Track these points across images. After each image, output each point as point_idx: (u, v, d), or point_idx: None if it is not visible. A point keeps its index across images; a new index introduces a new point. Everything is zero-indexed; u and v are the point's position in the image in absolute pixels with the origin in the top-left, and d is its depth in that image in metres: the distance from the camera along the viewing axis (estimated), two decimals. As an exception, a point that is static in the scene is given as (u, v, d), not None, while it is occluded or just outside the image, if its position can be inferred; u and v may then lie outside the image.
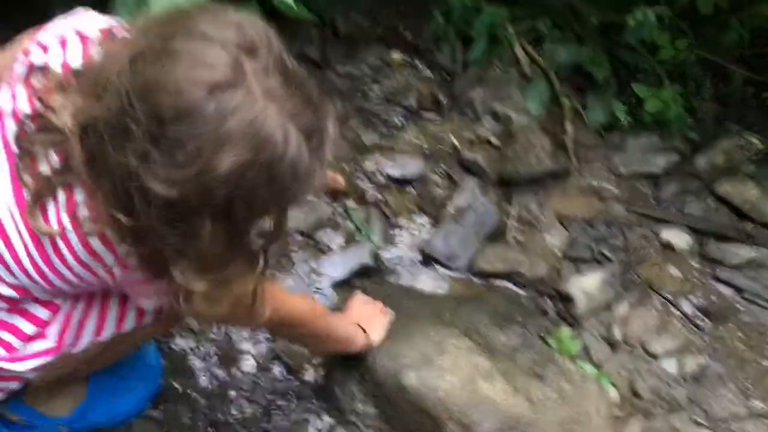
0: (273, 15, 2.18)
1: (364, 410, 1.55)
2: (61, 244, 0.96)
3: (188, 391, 1.56)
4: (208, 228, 0.85)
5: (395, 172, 2.10)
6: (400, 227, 1.98)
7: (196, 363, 1.61)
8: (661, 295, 1.84)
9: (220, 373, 1.60)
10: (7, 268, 1.01)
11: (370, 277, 1.83)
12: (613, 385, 1.63)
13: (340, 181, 1.99)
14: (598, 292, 1.82)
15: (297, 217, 1.90)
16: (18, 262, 1.00)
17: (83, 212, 0.92)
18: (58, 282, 1.01)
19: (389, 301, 1.67)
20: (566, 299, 1.81)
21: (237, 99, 0.81)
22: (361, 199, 2.01)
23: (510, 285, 1.87)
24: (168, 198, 0.82)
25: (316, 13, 2.51)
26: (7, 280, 1.03)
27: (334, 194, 2.00)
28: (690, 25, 2.23)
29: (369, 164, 2.12)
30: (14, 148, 0.95)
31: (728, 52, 2.30)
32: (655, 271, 1.89)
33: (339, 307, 1.68)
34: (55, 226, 0.94)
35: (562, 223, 2.01)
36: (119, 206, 0.86)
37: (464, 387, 1.48)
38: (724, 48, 2.27)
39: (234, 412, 1.55)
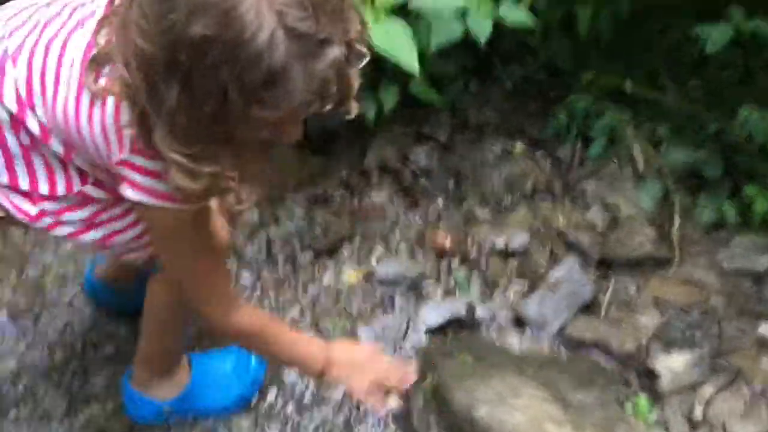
0: (409, 99, 2.51)
1: (430, 434, 1.67)
2: (97, 103, 1.04)
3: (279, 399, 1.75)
4: (174, 92, 0.88)
5: (501, 242, 2.26)
6: (498, 288, 2.12)
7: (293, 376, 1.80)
8: (750, 384, 1.83)
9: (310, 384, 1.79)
10: (44, 99, 1.10)
11: (462, 330, 1.98)
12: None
13: (446, 240, 2.19)
14: (684, 372, 1.84)
15: (403, 264, 2.11)
16: (55, 97, 1.09)
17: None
18: (74, 133, 1.09)
19: (472, 347, 1.82)
20: (651, 375, 1.85)
21: None
22: (464, 260, 2.18)
23: (596, 355, 1.93)
24: (144, 52, 0.87)
25: (449, 102, 2.81)
26: (38, 112, 1.11)
27: (441, 252, 2.19)
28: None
29: (477, 235, 2.30)
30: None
31: None
32: (747, 362, 1.89)
33: (427, 352, 1.85)
34: (100, 86, 1.01)
35: (657, 307, 2.07)
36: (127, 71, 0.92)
37: (532, 425, 1.56)
38: None
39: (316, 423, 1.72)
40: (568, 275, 2.07)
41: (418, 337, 1.97)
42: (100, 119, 1.06)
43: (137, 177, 1.09)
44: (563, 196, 2.53)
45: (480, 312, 2.03)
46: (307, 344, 1.45)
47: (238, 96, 0.87)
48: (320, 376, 1.40)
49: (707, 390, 1.81)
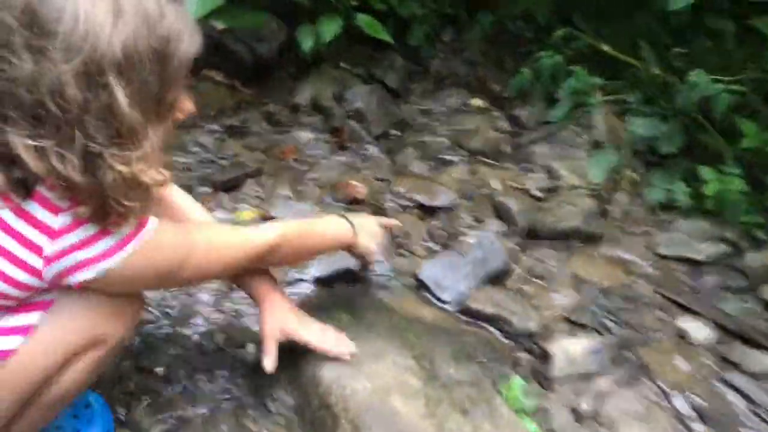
0: (365, 38, 2.31)
1: (280, 397, 1.51)
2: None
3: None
4: (120, 87, 0.90)
5: (423, 199, 2.07)
6: (405, 248, 1.93)
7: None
8: (655, 383, 1.63)
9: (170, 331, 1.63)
10: None
11: (353, 284, 1.80)
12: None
13: (361, 191, 2.00)
14: (581, 359, 1.65)
15: (305, 210, 1.93)
16: None
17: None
18: None
19: (355, 304, 1.65)
20: (545, 357, 1.67)
21: None
22: (376, 212, 2.00)
23: (493, 329, 1.75)
24: (76, 70, 0.87)
25: (410, 46, 2.60)
26: None
27: (352, 202, 2.01)
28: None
29: (402, 188, 2.11)
30: None
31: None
32: (657, 358, 1.69)
33: (304, 304, 1.67)
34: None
35: (574, 286, 1.87)
36: (36, 129, 0.89)
37: (375, 394, 1.39)
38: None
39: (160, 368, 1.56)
40: (482, 241, 1.88)
41: (308, 286, 1.79)
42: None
43: (80, 255, 0.99)
44: (509, 157, 2.32)
45: (378, 269, 1.85)
46: (332, 223, 1.49)
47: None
48: (352, 244, 1.50)
49: (603, 382, 1.62)
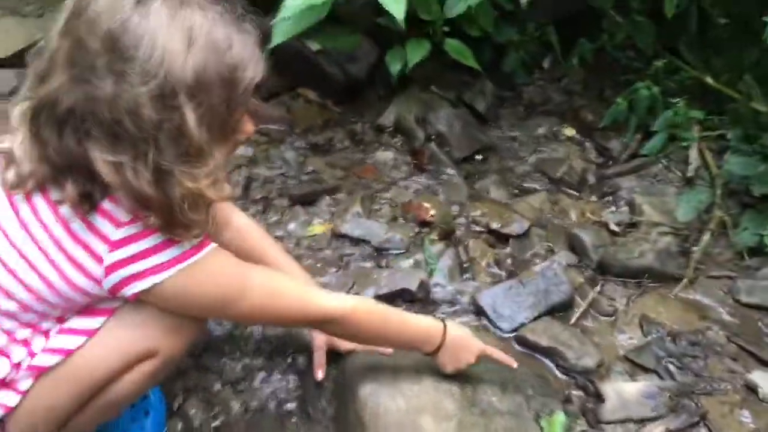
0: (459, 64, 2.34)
1: (323, 407, 1.56)
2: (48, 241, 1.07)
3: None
4: (191, 109, 0.98)
5: (496, 225, 2.06)
6: (470, 272, 1.94)
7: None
8: (713, 434, 1.54)
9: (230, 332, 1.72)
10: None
11: (411, 304, 1.83)
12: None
13: (430, 212, 2.03)
14: (635, 402, 1.59)
15: (375, 233, 1.98)
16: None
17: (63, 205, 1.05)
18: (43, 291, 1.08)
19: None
20: (598, 397, 1.62)
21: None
22: (446, 235, 2.01)
23: (549, 363, 1.72)
24: (152, 93, 0.96)
25: (506, 75, 2.61)
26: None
27: (421, 223, 2.04)
28: None
29: (476, 212, 2.12)
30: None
31: None
32: (720, 409, 1.59)
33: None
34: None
35: (642, 326, 1.80)
36: (114, 146, 0.98)
37: (408, 415, 1.41)
38: None
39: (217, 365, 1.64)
40: (546, 273, 1.85)
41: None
42: (60, 241, 1.07)
43: (141, 266, 1.07)
44: (593, 189, 2.27)
45: (438, 291, 1.87)
46: (422, 320, 1.40)
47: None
48: (431, 354, 1.40)
49: (656, 429, 1.55)
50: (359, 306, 1.31)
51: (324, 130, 2.33)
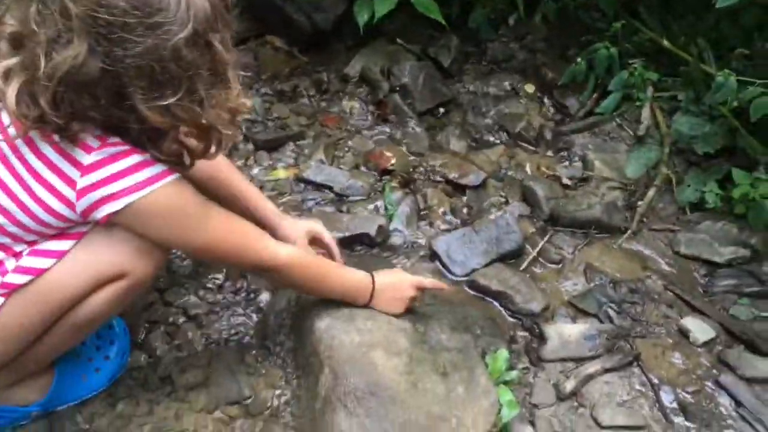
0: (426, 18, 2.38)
1: (282, 341, 1.64)
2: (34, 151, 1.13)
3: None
4: (217, 40, 1.08)
5: (454, 176, 2.14)
6: (427, 219, 2.02)
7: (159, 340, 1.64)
8: (645, 374, 1.66)
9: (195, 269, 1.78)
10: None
11: (370, 248, 1.90)
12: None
13: (391, 161, 2.10)
14: (575, 342, 1.70)
15: (337, 180, 2.04)
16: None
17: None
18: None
19: (369, 267, 1.75)
20: (541, 338, 1.72)
21: None
22: (405, 184, 2.09)
23: (498, 306, 1.82)
24: (187, 36, 1.05)
25: (473, 31, 2.65)
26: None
27: (383, 171, 2.10)
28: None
29: (436, 162, 2.19)
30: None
31: None
32: (653, 351, 1.71)
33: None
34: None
35: (586, 274, 1.90)
36: (160, 91, 1.06)
37: (360, 347, 1.49)
38: None
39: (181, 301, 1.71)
40: (499, 222, 1.94)
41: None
42: (45, 161, 1.13)
43: (111, 188, 1.13)
44: (549, 145, 2.35)
45: (396, 236, 1.95)
46: (353, 275, 1.51)
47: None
48: (366, 306, 1.52)
49: (592, 367, 1.66)
50: (296, 260, 1.39)
51: (290, 77, 2.37)
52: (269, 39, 2.50)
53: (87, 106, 1.06)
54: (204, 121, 1.13)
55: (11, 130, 1.13)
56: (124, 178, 1.13)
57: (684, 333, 1.75)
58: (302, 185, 2.02)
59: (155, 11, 1.02)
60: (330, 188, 2.01)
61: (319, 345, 1.51)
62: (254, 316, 1.70)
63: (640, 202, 2.07)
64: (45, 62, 1.02)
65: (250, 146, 2.11)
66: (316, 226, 1.63)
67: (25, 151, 1.13)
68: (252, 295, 1.74)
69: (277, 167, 2.06)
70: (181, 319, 1.67)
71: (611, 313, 1.79)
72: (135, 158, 1.13)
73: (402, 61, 2.45)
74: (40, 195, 1.14)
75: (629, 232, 1.99)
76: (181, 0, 1.04)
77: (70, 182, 1.13)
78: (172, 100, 1.06)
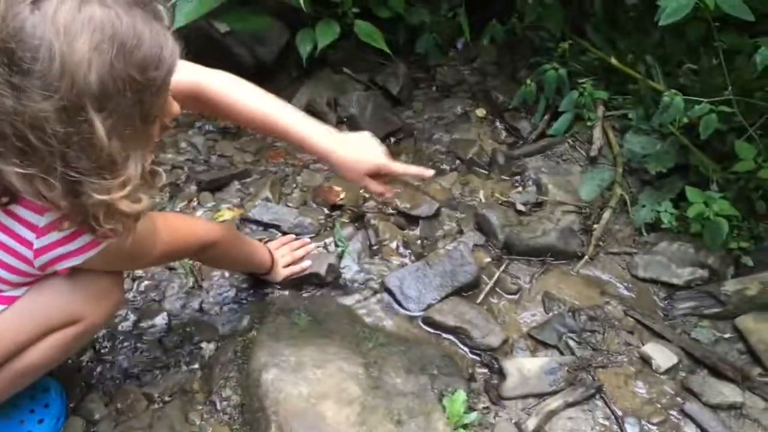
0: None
1: (229, 396, 1.55)
2: None
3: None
4: (100, 120, 0.91)
5: (406, 207, 2.08)
6: (380, 256, 1.95)
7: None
8: (608, 407, 1.61)
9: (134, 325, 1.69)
10: None
11: (318, 287, 1.83)
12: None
13: (338, 195, 2.03)
14: (535, 378, 1.64)
15: (285, 218, 1.97)
16: None
17: None
18: None
19: (319, 309, 1.69)
20: (501, 374, 1.66)
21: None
22: (356, 218, 2.02)
23: (456, 342, 1.75)
24: (55, 107, 0.88)
25: (421, 57, 2.61)
26: None
27: (333, 206, 2.04)
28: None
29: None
30: None
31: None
32: (616, 381, 1.66)
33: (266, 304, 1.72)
34: None
35: (544, 303, 1.85)
36: (22, 159, 0.92)
37: (309, 400, 1.42)
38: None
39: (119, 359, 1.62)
40: (452, 254, 1.88)
41: (273, 287, 1.82)
42: None
43: (64, 249, 1.11)
44: (503, 169, 2.31)
45: (347, 274, 1.88)
46: (258, 247, 1.71)
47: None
48: (269, 271, 1.73)
49: (554, 402, 1.60)
50: (226, 234, 1.54)
51: (234, 113, 2.29)
52: (211, 74, 2.42)
53: None
54: (72, 206, 0.98)
55: None
56: (79, 237, 1.10)
57: (646, 360, 1.70)
58: (249, 226, 1.94)
59: (22, 72, 0.87)
60: (277, 227, 1.93)
61: (266, 399, 1.43)
62: (199, 372, 1.61)
63: (595, 225, 2.03)
64: None
65: (193, 187, 2.03)
66: (376, 159, 1.57)
67: None
68: (194, 349, 1.65)
69: (221, 208, 1.98)
70: (121, 380, 1.57)
71: (571, 343, 1.74)
72: None
73: (349, 91, 2.39)
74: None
75: (586, 257, 1.94)
76: (54, 62, 0.87)
77: (27, 243, 1.10)
78: (33, 171, 0.92)
